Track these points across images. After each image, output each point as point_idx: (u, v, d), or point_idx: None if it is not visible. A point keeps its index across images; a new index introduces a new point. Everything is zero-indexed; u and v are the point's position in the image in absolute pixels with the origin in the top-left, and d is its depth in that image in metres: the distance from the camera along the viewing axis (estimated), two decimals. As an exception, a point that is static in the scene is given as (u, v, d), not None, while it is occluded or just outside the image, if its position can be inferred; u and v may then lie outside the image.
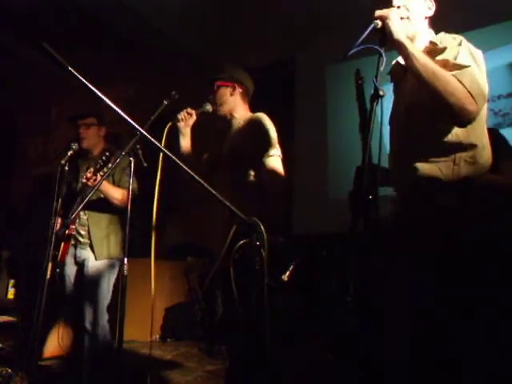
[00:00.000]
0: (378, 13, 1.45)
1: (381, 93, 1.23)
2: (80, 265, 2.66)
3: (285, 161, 2.23)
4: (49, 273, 2.23)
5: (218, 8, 4.70)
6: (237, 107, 2.25)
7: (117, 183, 2.70)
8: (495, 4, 3.61)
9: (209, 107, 2.22)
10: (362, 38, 1.30)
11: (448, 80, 1.39)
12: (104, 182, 2.52)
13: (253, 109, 2.32)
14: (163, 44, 5.10)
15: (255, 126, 2.12)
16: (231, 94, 2.24)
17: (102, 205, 2.62)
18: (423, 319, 1.42)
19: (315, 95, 4.73)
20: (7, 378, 2.99)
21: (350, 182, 2.46)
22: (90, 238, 2.64)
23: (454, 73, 1.41)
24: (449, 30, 1.85)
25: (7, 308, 5.15)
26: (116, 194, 2.60)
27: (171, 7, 4.58)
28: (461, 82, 1.39)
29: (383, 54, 1.30)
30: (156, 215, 1.92)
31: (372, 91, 1.25)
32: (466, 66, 1.42)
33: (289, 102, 4.88)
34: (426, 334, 1.41)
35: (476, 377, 1.39)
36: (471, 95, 1.38)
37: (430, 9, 1.67)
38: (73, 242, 2.67)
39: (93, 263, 2.61)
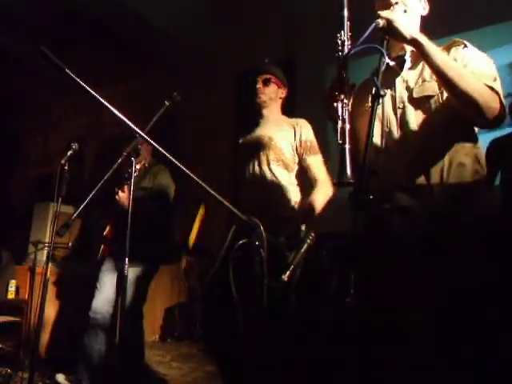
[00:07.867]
0: (382, 14, 1.40)
1: (382, 92, 1.22)
2: (116, 271, 2.68)
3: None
4: (49, 273, 2.23)
5: (218, 8, 4.70)
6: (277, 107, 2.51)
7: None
8: (495, 4, 3.60)
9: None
10: (363, 38, 1.29)
11: (468, 76, 1.36)
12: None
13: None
14: (163, 43, 5.10)
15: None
16: (280, 96, 2.53)
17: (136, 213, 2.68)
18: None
19: (315, 95, 4.71)
20: (7, 378, 2.99)
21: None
22: (125, 245, 2.67)
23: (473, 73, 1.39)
24: (449, 31, 1.86)
25: (7, 308, 5.14)
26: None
27: (171, 7, 4.59)
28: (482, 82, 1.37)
29: (385, 54, 1.30)
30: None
31: (373, 91, 1.25)
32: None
33: (289, 102, 4.87)
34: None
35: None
36: (494, 92, 1.36)
37: (425, 9, 1.65)
38: (111, 247, 2.72)
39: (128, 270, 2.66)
